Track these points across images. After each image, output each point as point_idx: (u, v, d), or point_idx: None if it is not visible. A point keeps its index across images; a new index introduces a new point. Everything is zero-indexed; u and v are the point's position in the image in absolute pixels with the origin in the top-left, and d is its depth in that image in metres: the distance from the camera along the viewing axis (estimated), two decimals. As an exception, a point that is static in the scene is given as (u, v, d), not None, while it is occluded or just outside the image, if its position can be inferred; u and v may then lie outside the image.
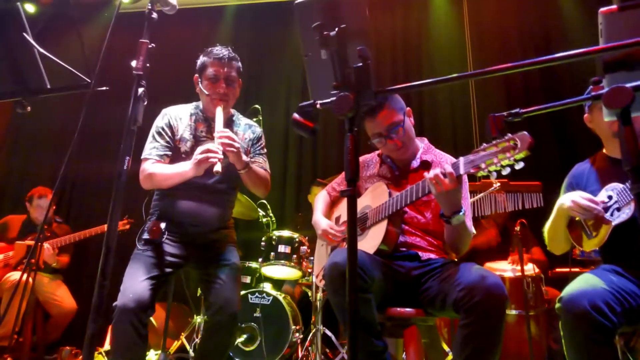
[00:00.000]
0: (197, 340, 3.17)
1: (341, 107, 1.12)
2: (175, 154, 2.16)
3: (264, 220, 3.75)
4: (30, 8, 4.87)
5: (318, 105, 1.23)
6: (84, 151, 4.92)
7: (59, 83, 1.54)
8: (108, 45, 1.48)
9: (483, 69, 1.10)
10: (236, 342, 3.09)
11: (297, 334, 3.25)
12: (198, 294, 3.25)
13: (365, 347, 1.64)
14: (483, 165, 1.54)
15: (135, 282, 1.90)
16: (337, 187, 2.34)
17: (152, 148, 2.14)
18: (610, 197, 1.78)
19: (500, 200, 3.00)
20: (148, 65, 1.37)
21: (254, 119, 2.66)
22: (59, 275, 3.97)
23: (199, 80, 2.21)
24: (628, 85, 0.95)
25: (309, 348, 3.15)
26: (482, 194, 3.00)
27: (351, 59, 1.17)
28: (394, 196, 1.89)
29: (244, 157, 2.08)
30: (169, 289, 2.59)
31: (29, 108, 1.53)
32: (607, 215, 1.76)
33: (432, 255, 1.92)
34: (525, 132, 1.46)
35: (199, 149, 1.96)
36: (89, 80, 1.46)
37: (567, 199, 1.83)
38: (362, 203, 2.09)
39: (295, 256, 3.31)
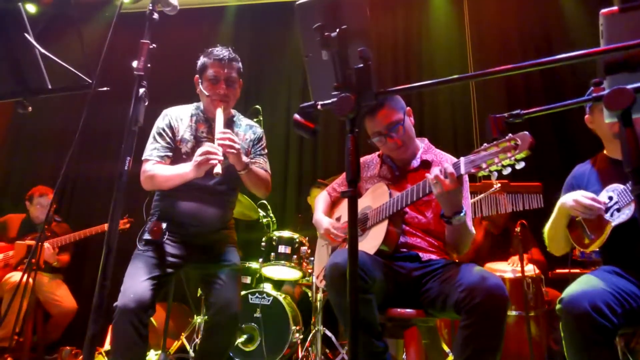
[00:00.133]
0: (197, 341, 3.17)
1: (342, 108, 1.12)
2: (176, 154, 2.16)
3: (265, 220, 3.75)
4: (31, 8, 4.88)
5: (319, 106, 1.23)
6: (85, 151, 4.93)
7: (60, 83, 1.54)
8: (109, 46, 1.48)
9: (484, 71, 1.10)
10: (236, 343, 3.09)
11: (297, 335, 3.25)
12: (198, 294, 3.25)
13: (366, 348, 1.65)
14: (484, 165, 1.54)
15: (136, 283, 1.90)
16: (338, 188, 2.34)
17: (153, 149, 2.14)
18: (610, 198, 1.78)
19: (501, 201, 3.00)
20: (149, 65, 1.37)
21: (255, 120, 2.66)
22: (58, 274, 3.97)
23: (200, 81, 2.21)
24: (629, 86, 0.95)
25: (309, 348, 3.15)
26: (482, 195, 3.00)
27: (352, 59, 1.17)
28: (394, 196, 1.89)
29: (244, 158, 2.08)
30: (169, 289, 2.59)
31: (30, 108, 1.54)
32: (607, 216, 1.76)
33: (433, 256, 1.92)
34: (526, 132, 1.46)
35: (199, 150, 1.97)
36: (90, 81, 1.46)
37: (568, 198, 1.83)
38: (363, 204, 2.09)
39: (295, 257, 3.31)
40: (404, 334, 1.93)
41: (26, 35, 1.46)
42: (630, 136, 0.95)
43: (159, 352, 2.96)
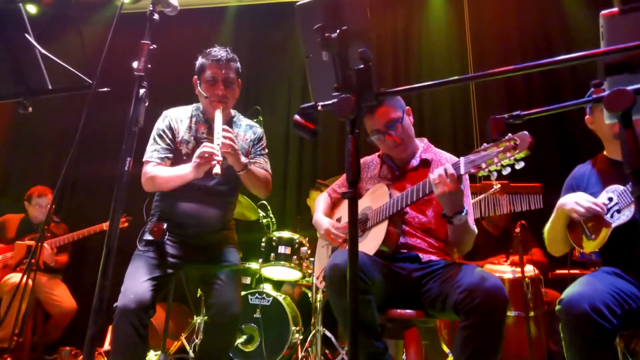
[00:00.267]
0: (197, 341, 3.17)
1: (342, 109, 1.12)
2: (176, 156, 2.17)
3: (264, 221, 3.75)
4: (31, 9, 4.89)
5: (319, 107, 1.24)
6: (85, 152, 4.93)
7: (61, 84, 1.54)
8: (109, 46, 1.48)
9: (484, 72, 1.10)
10: (236, 343, 3.08)
11: (297, 335, 3.25)
12: (198, 295, 3.25)
13: (366, 349, 1.65)
14: (484, 165, 1.54)
15: (136, 283, 1.90)
16: (338, 189, 2.34)
17: (153, 150, 2.14)
18: (610, 199, 1.78)
19: (501, 202, 3.00)
20: (149, 66, 1.37)
21: (255, 120, 2.66)
22: (57, 274, 3.96)
23: (198, 82, 2.21)
24: (629, 88, 0.95)
25: (309, 349, 3.14)
26: (482, 196, 3.00)
27: (352, 60, 1.17)
28: (394, 197, 1.89)
29: (243, 159, 2.08)
30: (169, 290, 2.59)
31: (30, 109, 1.54)
32: (607, 217, 1.76)
33: (433, 257, 1.92)
34: (526, 132, 1.46)
35: (198, 151, 1.97)
36: (91, 81, 1.46)
37: (568, 200, 1.83)
38: (363, 204, 2.09)
39: (295, 257, 3.31)
40: (404, 335, 1.93)
41: (26, 35, 1.46)
42: (631, 137, 0.95)
43: (159, 352, 2.96)
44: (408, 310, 1.82)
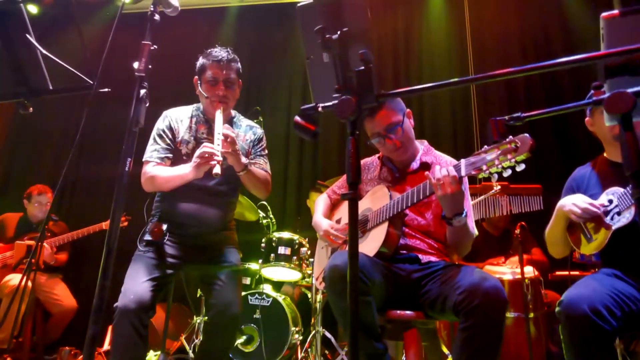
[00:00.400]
0: (197, 341, 3.17)
1: (343, 110, 1.12)
2: (176, 156, 2.17)
3: (264, 221, 3.75)
4: (32, 9, 4.89)
5: (320, 109, 1.24)
6: (85, 152, 4.93)
7: (61, 84, 1.54)
8: (110, 47, 1.48)
9: (485, 74, 1.10)
10: (236, 343, 3.08)
11: (297, 336, 3.25)
12: (198, 295, 3.25)
13: (366, 350, 1.65)
14: (484, 167, 1.54)
15: (136, 283, 1.90)
16: (338, 190, 2.34)
17: (153, 150, 2.14)
18: (610, 201, 1.79)
19: (501, 203, 3.00)
20: (150, 66, 1.37)
21: (255, 121, 2.66)
22: (57, 273, 3.96)
23: (199, 82, 2.21)
24: (629, 90, 0.96)
25: (309, 350, 3.14)
26: (482, 197, 3.00)
27: (353, 62, 1.17)
28: (394, 198, 1.89)
29: (243, 159, 2.08)
30: (169, 290, 2.59)
31: (31, 109, 1.54)
32: (608, 219, 1.76)
33: (433, 258, 1.92)
34: (527, 135, 1.46)
35: (198, 151, 1.97)
36: (91, 82, 1.46)
37: (566, 201, 1.83)
38: (363, 206, 2.09)
39: (295, 258, 3.31)
40: (403, 336, 1.93)
41: (27, 36, 1.46)
42: (631, 140, 0.95)
43: (158, 352, 2.96)
44: (408, 312, 1.82)
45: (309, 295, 3.40)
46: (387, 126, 1.97)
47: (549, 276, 3.18)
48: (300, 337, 3.28)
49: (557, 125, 4.12)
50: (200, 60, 2.21)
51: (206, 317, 2.08)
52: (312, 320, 3.17)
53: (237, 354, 3.14)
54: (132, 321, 1.82)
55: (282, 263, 3.27)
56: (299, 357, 3.20)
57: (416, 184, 1.82)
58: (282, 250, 3.31)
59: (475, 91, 4.41)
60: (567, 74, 4.21)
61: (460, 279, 1.65)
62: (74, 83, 1.50)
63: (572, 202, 1.80)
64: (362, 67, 1.15)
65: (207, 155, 1.92)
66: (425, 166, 2.04)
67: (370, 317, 1.65)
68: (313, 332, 3.10)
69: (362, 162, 2.24)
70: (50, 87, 1.52)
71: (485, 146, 1.56)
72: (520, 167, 1.47)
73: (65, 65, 1.48)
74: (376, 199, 2.02)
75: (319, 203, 2.36)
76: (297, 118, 1.26)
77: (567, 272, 2.97)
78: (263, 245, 3.42)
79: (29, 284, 3.07)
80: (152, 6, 1.44)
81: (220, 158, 1.92)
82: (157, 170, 2.09)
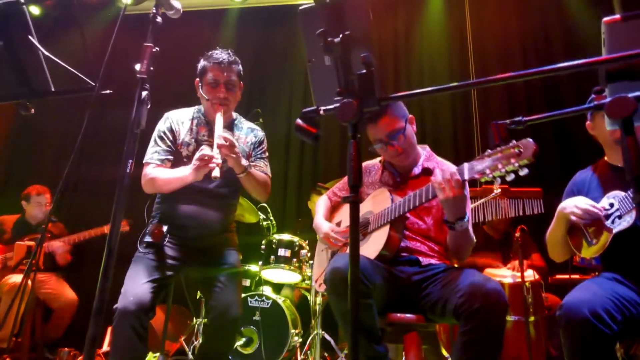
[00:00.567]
0: (196, 343, 3.16)
1: (345, 113, 1.12)
2: (176, 158, 2.17)
3: (265, 223, 3.75)
4: (35, 10, 4.89)
5: (321, 112, 1.24)
6: (87, 153, 4.93)
7: (63, 85, 1.54)
8: (112, 49, 1.48)
9: (486, 78, 1.10)
10: (235, 345, 3.08)
11: (296, 338, 3.25)
12: (198, 297, 3.25)
13: (366, 353, 1.65)
14: (488, 172, 1.54)
15: (136, 285, 1.90)
16: (339, 192, 2.34)
17: (154, 152, 2.14)
18: (611, 205, 1.79)
19: (501, 206, 3.00)
20: (152, 68, 1.37)
21: (256, 123, 2.67)
22: (56, 273, 3.95)
23: (200, 84, 2.21)
24: (631, 95, 0.96)
25: (308, 352, 3.14)
26: (482, 200, 3.00)
27: (355, 65, 1.17)
28: (396, 202, 1.89)
29: (243, 162, 2.09)
30: (169, 292, 2.59)
31: (32, 110, 1.54)
32: (608, 223, 1.76)
33: (433, 261, 1.92)
34: (530, 140, 1.46)
35: (197, 154, 1.97)
36: (93, 84, 1.46)
37: (567, 203, 1.83)
38: (364, 209, 2.09)
39: (295, 260, 3.31)
40: (403, 339, 1.93)
41: (30, 37, 1.46)
42: (632, 144, 0.95)
43: (158, 354, 2.95)
44: (408, 315, 1.82)
45: (309, 298, 3.40)
46: (389, 133, 1.97)
47: (549, 280, 3.18)
48: (300, 340, 3.28)
49: (557, 129, 4.12)
50: (202, 63, 2.21)
51: (206, 319, 2.08)
52: (312, 323, 3.16)
53: (236, 356, 3.14)
54: (131, 323, 1.82)
55: (282, 265, 3.27)
56: (299, 359, 3.20)
57: (417, 189, 1.82)
58: (282, 252, 3.30)
59: (476, 95, 4.41)
60: (567, 77, 4.21)
61: (460, 282, 1.65)
62: (75, 84, 1.50)
63: (574, 204, 1.80)
64: (364, 71, 1.15)
65: (206, 157, 1.92)
66: (427, 172, 2.04)
67: (371, 320, 1.65)
68: (313, 334, 3.10)
69: (364, 165, 2.24)
70: (52, 89, 1.52)
71: (488, 150, 1.56)
72: (524, 172, 1.47)
73: (67, 66, 1.48)
74: (377, 202, 2.02)
75: (320, 205, 2.36)
76: (299, 121, 1.26)
77: (567, 276, 2.97)
78: (263, 247, 3.41)
79: (29, 283, 3.07)
80: (154, 8, 1.45)
81: (219, 161, 1.92)
82: (157, 172, 2.09)
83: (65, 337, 3.89)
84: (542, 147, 1.49)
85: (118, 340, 1.85)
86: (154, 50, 1.39)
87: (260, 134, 2.37)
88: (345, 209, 2.25)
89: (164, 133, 2.18)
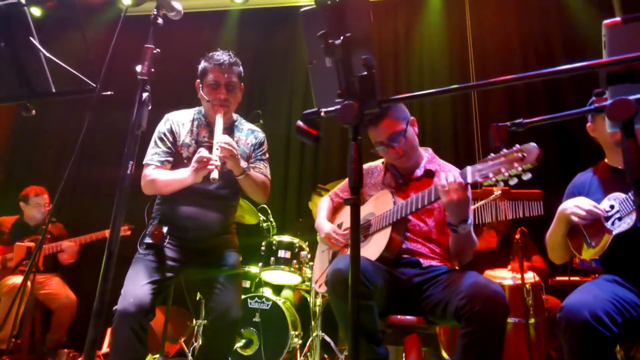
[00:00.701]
0: (196, 345, 3.16)
1: (345, 115, 1.13)
2: (177, 159, 2.17)
3: (265, 225, 3.75)
4: (36, 11, 4.90)
5: (322, 113, 1.24)
6: (87, 155, 4.93)
7: (64, 86, 1.54)
8: (113, 50, 1.49)
9: (485, 81, 1.10)
10: (235, 347, 3.08)
11: (296, 340, 3.24)
12: (197, 298, 3.25)
13: (367, 355, 1.64)
14: (491, 175, 1.55)
15: (136, 286, 1.90)
16: (341, 194, 2.34)
17: (154, 154, 2.14)
18: (612, 207, 1.78)
19: (502, 208, 3.00)
20: (153, 70, 1.37)
21: (256, 124, 2.67)
22: (54, 273, 3.94)
23: (200, 86, 2.21)
24: (631, 97, 0.96)
25: (308, 354, 3.14)
26: (483, 201, 3.00)
27: (356, 67, 1.17)
28: (398, 204, 1.89)
29: (242, 164, 2.09)
30: (168, 293, 2.58)
31: (33, 111, 1.54)
32: (609, 225, 1.76)
33: (434, 262, 1.92)
34: (534, 144, 1.46)
35: (196, 156, 1.97)
36: (94, 85, 1.46)
37: (568, 204, 1.83)
38: (365, 210, 2.09)
39: (295, 261, 3.30)
40: (404, 341, 1.92)
41: (31, 38, 1.46)
42: (633, 147, 0.95)
43: (157, 355, 2.95)
44: (408, 317, 1.82)
45: (309, 299, 3.40)
46: (390, 135, 1.97)
47: (549, 282, 3.18)
48: (300, 341, 3.27)
49: (558, 130, 4.12)
50: (202, 64, 2.21)
51: (206, 321, 2.08)
52: (312, 324, 3.16)
53: (236, 357, 3.13)
54: (131, 324, 1.81)
55: (282, 266, 3.26)
56: (299, 361, 3.20)
57: (419, 191, 1.82)
58: (282, 253, 3.30)
59: (477, 96, 4.41)
60: (568, 79, 4.21)
61: (461, 284, 1.64)
62: (76, 86, 1.50)
63: (575, 204, 1.80)
64: (365, 73, 1.15)
65: (205, 159, 1.92)
66: (429, 174, 2.04)
67: (372, 322, 1.65)
68: (312, 336, 3.10)
69: (366, 167, 2.24)
70: (53, 90, 1.52)
71: (492, 154, 1.56)
72: (527, 176, 1.47)
73: (68, 67, 1.48)
74: (379, 204, 2.02)
75: (322, 206, 2.36)
76: (300, 122, 1.26)
77: (567, 278, 2.97)
78: (263, 248, 3.41)
79: (28, 284, 3.06)
80: (155, 9, 1.45)
81: (218, 163, 1.92)
82: (157, 173, 2.09)
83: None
84: (543, 149, 1.49)
85: (118, 341, 1.85)
86: (154, 51, 1.39)
87: (261, 135, 2.37)
88: (347, 210, 2.25)
89: (164, 134, 2.18)
